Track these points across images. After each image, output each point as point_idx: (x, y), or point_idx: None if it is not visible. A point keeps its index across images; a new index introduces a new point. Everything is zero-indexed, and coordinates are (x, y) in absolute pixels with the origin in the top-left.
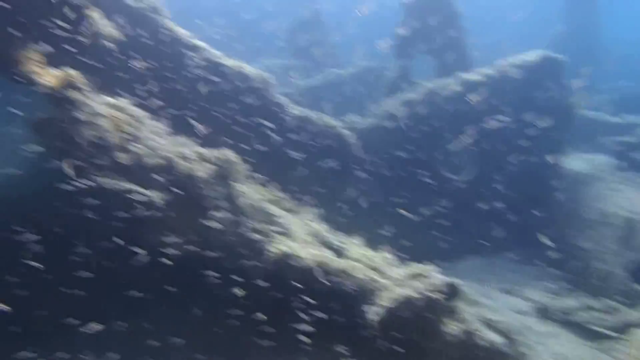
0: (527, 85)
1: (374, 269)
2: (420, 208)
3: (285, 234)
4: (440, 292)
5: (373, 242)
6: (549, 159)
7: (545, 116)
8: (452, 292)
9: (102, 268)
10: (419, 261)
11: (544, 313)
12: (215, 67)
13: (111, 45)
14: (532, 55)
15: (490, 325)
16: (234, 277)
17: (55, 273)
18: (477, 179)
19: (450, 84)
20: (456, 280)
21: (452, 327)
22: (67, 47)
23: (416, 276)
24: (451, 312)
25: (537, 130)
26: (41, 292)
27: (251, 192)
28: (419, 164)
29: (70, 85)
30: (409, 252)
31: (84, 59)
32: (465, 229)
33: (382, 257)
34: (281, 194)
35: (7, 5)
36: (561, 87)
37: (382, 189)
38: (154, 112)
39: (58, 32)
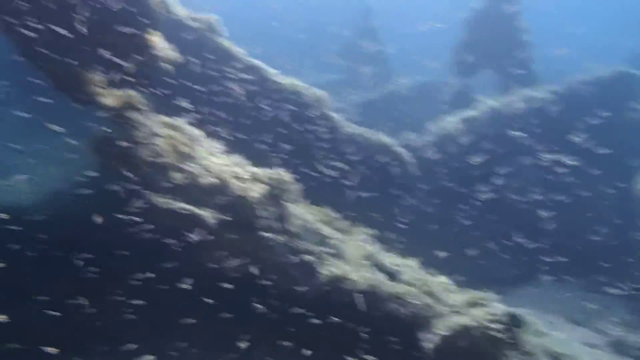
0: (599, 103)
1: (430, 294)
2: (478, 231)
3: (338, 255)
4: (500, 322)
5: (429, 265)
6: (619, 183)
7: (618, 136)
8: (514, 322)
9: (154, 289)
10: (477, 287)
11: (619, 348)
12: (270, 86)
13: (169, 67)
14: (606, 72)
15: (557, 359)
16: (285, 299)
17: (108, 293)
18: (540, 202)
19: (514, 101)
20: (518, 310)
21: None
22: (127, 69)
23: (475, 304)
24: (513, 344)
25: (608, 151)
26: (96, 312)
27: (304, 212)
28: (480, 184)
29: (129, 105)
30: (467, 277)
31: (143, 81)
32: (527, 253)
33: (439, 282)
34: (334, 214)
35: (69, 31)
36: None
37: (439, 209)
38: (210, 132)
39: (119, 54)
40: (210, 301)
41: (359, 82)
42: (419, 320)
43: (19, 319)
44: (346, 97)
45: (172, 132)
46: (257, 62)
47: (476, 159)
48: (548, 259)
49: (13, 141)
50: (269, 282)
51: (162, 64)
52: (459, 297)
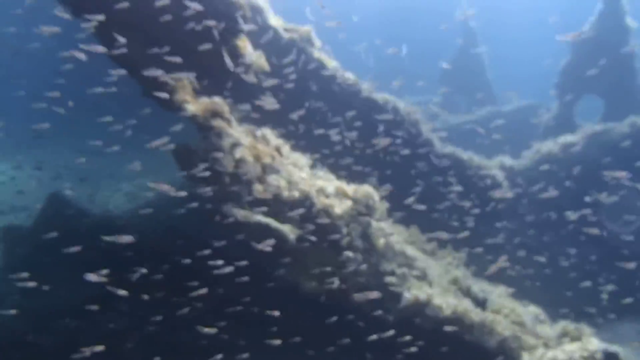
0: None
1: (519, 323)
2: (576, 260)
3: (423, 278)
4: (595, 359)
5: (520, 294)
6: None
7: None
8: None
9: (232, 303)
10: (571, 319)
11: None
12: (364, 101)
13: (261, 76)
14: None
15: None
16: (367, 321)
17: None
18: None
19: (617, 127)
20: (616, 347)
21: None
22: (217, 77)
23: (568, 336)
24: None
25: None
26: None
27: (390, 231)
28: (577, 211)
29: (215, 113)
30: (560, 308)
31: (233, 90)
32: (626, 285)
33: (529, 311)
34: (422, 236)
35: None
36: None
37: (534, 236)
38: (298, 144)
39: (209, 62)
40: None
41: (457, 104)
42: (507, 351)
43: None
44: (442, 119)
45: (256, 143)
46: (351, 76)
47: (573, 185)
48: None
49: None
50: (349, 304)
51: (254, 73)
52: (552, 329)
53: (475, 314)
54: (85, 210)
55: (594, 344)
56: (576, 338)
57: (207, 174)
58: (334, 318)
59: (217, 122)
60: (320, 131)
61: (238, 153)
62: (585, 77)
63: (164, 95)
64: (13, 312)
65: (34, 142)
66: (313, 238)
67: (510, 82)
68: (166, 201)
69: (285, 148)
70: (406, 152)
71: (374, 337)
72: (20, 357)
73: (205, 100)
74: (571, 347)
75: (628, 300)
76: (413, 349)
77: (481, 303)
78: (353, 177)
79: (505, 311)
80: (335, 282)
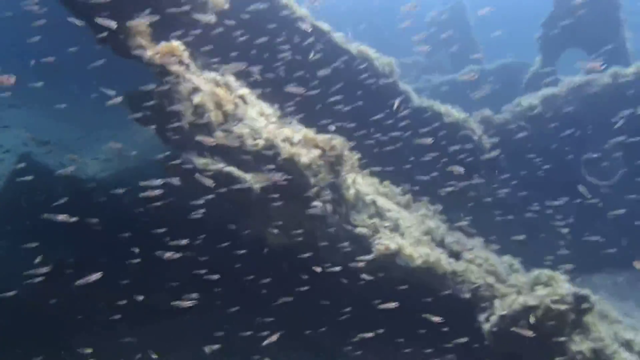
0: None
1: (493, 273)
2: (555, 213)
3: (395, 229)
4: (566, 302)
5: (496, 247)
6: None
7: None
8: (583, 304)
9: (197, 255)
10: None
11: None
12: (336, 51)
13: (222, 21)
14: None
15: (629, 346)
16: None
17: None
18: (625, 184)
19: (601, 78)
20: (587, 291)
21: (580, 345)
22: (176, 20)
23: (541, 284)
24: (580, 328)
25: None
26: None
27: (361, 183)
28: (557, 165)
29: (172, 58)
30: (537, 260)
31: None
32: (606, 239)
33: (504, 261)
34: (396, 188)
35: None
36: None
37: (513, 190)
38: (263, 93)
39: (169, 5)
40: (252, 276)
41: (442, 66)
42: (479, 300)
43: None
44: (426, 79)
45: (217, 89)
46: (320, 24)
47: (554, 138)
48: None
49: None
50: (317, 256)
51: (209, 12)
52: (525, 277)
53: (448, 264)
54: (54, 173)
55: (565, 287)
56: (549, 285)
57: (164, 121)
58: (304, 274)
59: (175, 67)
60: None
61: (197, 99)
62: (568, 28)
63: (120, 40)
64: None
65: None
66: (279, 188)
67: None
68: (139, 165)
69: (251, 97)
70: (376, 99)
71: (345, 287)
72: None
73: (162, 44)
74: (542, 291)
75: (609, 251)
76: (385, 301)
77: (455, 254)
78: (322, 127)
79: (479, 261)
80: (302, 235)
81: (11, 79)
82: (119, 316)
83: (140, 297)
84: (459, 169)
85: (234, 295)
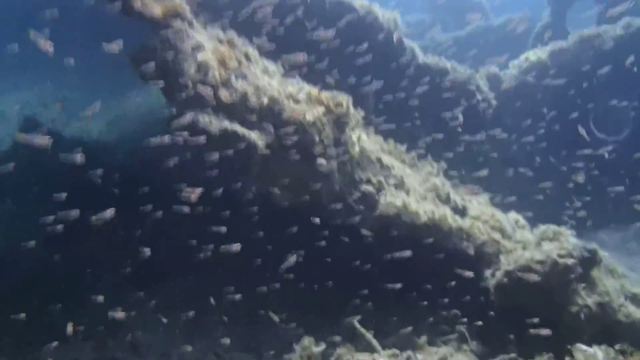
0: None
1: (499, 229)
2: (561, 169)
3: (400, 187)
4: (572, 256)
5: (501, 204)
6: None
7: None
8: (589, 258)
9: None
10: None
11: None
12: (339, 6)
13: None
14: None
15: (636, 300)
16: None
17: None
18: (634, 140)
19: (610, 30)
20: (594, 245)
21: (587, 299)
22: None
23: (547, 239)
24: (587, 282)
25: None
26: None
27: (365, 140)
28: (565, 121)
29: (175, 15)
30: (543, 217)
31: None
32: (613, 195)
33: (510, 217)
34: (401, 146)
35: None
36: None
37: (520, 147)
38: (266, 51)
39: None
40: (261, 233)
41: (447, 23)
42: (485, 256)
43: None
44: (431, 36)
45: (221, 46)
46: None
47: (562, 93)
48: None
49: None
50: (322, 213)
51: None
52: (531, 234)
53: (453, 220)
54: (59, 134)
55: (571, 242)
56: (555, 240)
57: (167, 78)
58: (310, 229)
59: (177, 23)
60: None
61: (200, 56)
62: None
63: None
64: None
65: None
66: (284, 145)
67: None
68: (143, 128)
69: (254, 54)
70: (380, 60)
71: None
72: None
73: (163, 2)
74: (549, 246)
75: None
76: (390, 257)
77: (460, 210)
78: (325, 85)
79: (485, 217)
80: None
81: (48, 44)
82: (126, 275)
83: (147, 254)
84: (459, 118)
85: (241, 256)
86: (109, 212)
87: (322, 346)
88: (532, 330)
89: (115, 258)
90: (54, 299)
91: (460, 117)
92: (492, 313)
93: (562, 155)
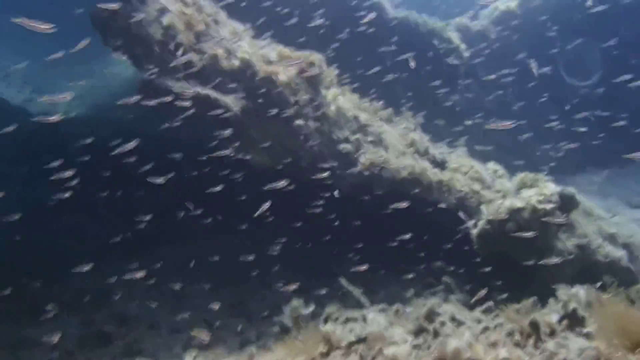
0: None
1: (478, 180)
2: (534, 116)
3: (379, 143)
4: (552, 201)
5: (478, 154)
6: None
7: None
8: (568, 202)
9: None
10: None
11: None
12: None
13: None
14: None
15: (613, 239)
16: (320, 190)
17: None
18: (605, 84)
19: None
20: (572, 189)
21: (566, 242)
22: None
23: (526, 186)
24: (565, 225)
25: None
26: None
27: (341, 99)
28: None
29: None
30: (521, 165)
31: None
32: (588, 139)
33: (489, 168)
34: (376, 103)
35: None
36: None
37: (494, 97)
38: (234, 13)
39: None
40: (243, 197)
41: None
42: (466, 207)
43: None
44: None
45: (186, 9)
46: None
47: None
48: (612, 144)
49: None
50: (301, 171)
51: None
52: (510, 182)
53: (433, 174)
54: (23, 110)
55: (550, 187)
56: (534, 186)
57: (132, 42)
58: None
59: None
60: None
61: (166, 20)
62: None
63: None
64: None
65: None
66: (259, 108)
67: None
68: (110, 100)
69: (222, 16)
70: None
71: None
72: None
73: None
74: (528, 192)
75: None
76: (371, 214)
77: (440, 164)
78: (298, 45)
79: (464, 169)
80: (284, 153)
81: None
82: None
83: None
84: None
85: (228, 219)
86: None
87: (311, 307)
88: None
89: (99, 229)
90: (36, 274)
91: (412, 63)
92: (476, 261)
93: (538, 103)
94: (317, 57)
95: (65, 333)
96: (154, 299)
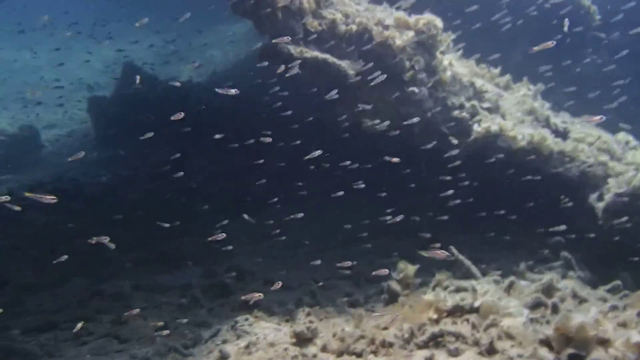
0: None
1: (606, 151)
2: None
3: (495, 111)
4: None
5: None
6: None
7: None
8: None
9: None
10: None
11: None
12: None
13: None
14: None
15: None
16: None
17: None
18: None
19: None
20: None
21: None
22: None
23: None
24: None
25: None
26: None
27: (457, 64)
28: None
29: None
30: None
31: None
32: None
33: (619, 138)
34: (494, 69)
35: None
36: None
37: (623, 64)
38: None
39: None
40: (348, 163)
41: None
42: (591, 179)
43: None
44: None
45: None
46: None
47: None
48: None
49: None
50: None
51: None
52: None
53: (554, 143)
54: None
55: None
56: None
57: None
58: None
59: None
60: None
61: None
62: None
63: None
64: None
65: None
66: (374, 73)
67: None
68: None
69: None
70: None
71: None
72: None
73: None
74: None
75: None
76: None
77: (562, 133)
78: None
79: (590, 139)
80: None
81: None
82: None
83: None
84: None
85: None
86: None
87: (417, 266)
88: None
89: (212, 190)
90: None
91: (566, 27)
92: (596, 237)
93: None
94: (433, 20)
95: (191, 282)
96: (271, 257)
